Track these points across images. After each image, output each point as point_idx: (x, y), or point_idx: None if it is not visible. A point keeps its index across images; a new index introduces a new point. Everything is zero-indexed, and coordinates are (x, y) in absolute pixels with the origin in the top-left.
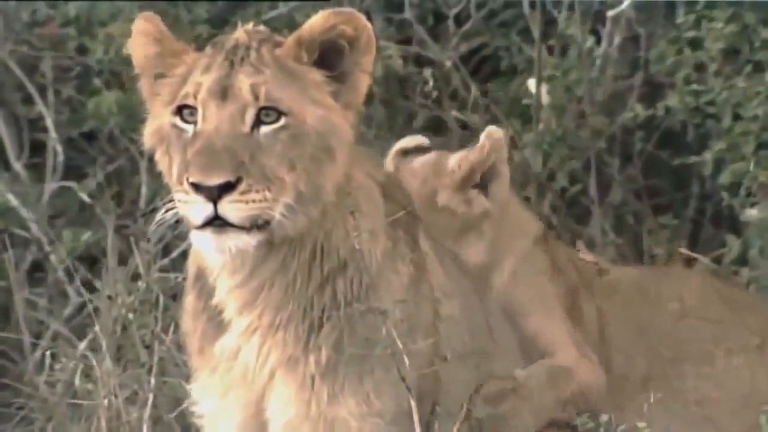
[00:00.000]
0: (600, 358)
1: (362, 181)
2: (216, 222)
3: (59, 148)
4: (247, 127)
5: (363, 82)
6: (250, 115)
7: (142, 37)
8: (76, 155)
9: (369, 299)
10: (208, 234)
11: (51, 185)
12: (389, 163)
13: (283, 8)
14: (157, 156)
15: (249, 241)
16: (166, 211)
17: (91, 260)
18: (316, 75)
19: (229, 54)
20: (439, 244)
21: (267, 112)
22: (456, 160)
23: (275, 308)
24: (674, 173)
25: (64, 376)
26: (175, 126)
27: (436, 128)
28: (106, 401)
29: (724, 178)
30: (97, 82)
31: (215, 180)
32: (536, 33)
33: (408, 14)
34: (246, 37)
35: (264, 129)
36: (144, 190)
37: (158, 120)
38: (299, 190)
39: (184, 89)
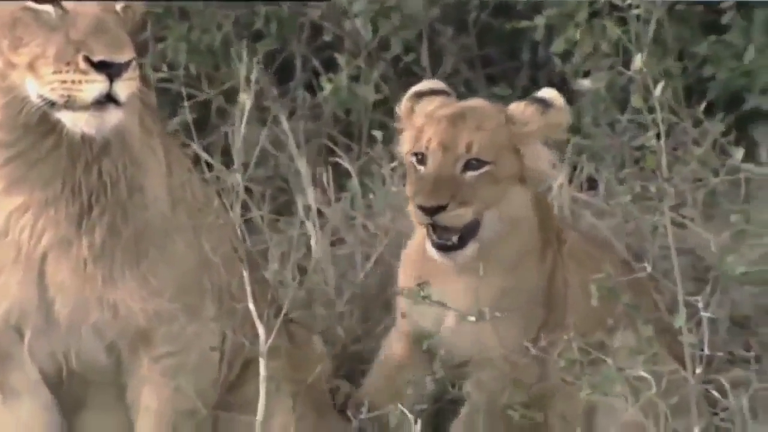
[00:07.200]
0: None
1: None
2: None
3: None
4: None
5: None
6: None
7: None
8: None
9: (135, 178)
10: None
11: None
12: (404, 104)
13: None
14: None
15: None
16: None
17: None
18: None
19: None
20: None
21: None
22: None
23: (44, 185)
24: (507, 42)
25: None
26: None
27: None
28: None
29: (557, 46)
30: None
31: None
32: None
33: None
34: None
35: None
36: None
37: None
38: None
39: None
